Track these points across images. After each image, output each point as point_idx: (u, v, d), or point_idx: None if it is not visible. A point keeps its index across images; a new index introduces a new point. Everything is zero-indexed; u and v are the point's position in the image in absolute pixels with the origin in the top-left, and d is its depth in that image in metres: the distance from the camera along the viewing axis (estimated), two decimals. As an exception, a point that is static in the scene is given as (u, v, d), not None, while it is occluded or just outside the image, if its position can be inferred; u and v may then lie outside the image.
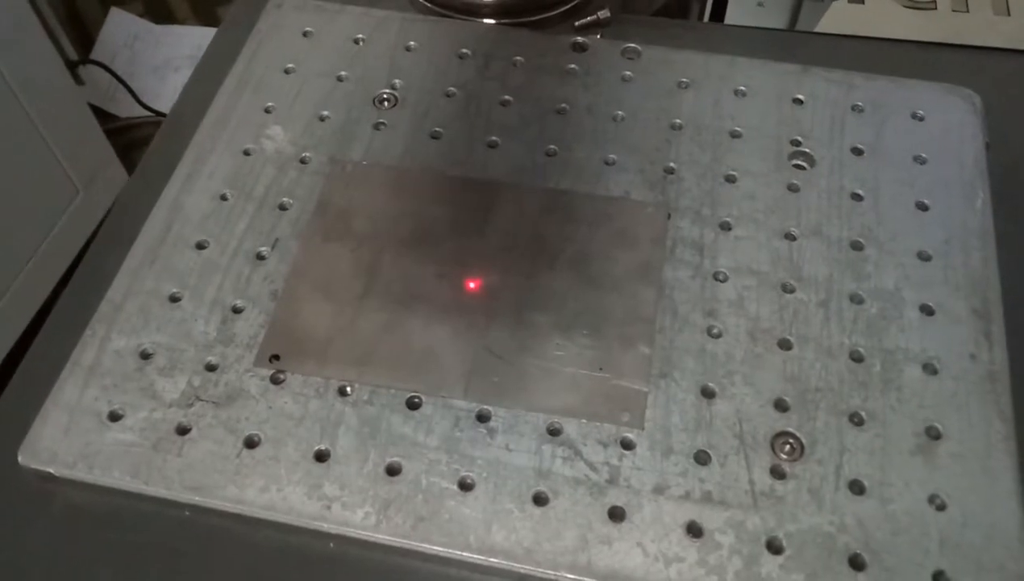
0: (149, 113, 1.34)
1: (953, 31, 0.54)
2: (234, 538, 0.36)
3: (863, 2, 0.57)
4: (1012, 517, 0.35)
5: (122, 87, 1.34)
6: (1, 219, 0.99)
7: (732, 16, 0.59)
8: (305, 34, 0.52)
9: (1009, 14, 0.55)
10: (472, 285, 0.42)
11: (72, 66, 1.26)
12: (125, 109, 1.36)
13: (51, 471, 0.36)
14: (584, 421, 0.38)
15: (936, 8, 0.56)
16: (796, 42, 0.54)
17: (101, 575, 0.35)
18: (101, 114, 1.29)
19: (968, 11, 0.55)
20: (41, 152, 1.04)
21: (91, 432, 0.37)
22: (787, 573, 0.34)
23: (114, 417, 0.37)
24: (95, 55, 1.37)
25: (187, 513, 0.36)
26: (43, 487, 0.37)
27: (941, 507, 0.35)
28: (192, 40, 1.42)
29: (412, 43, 0.51)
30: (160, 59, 1.40)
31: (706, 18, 0.62)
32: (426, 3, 0.53)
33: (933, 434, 0.37)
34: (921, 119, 0.48)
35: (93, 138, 1.15)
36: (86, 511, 0.36)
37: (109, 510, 0.36)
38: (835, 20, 0.55)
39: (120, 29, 1.41)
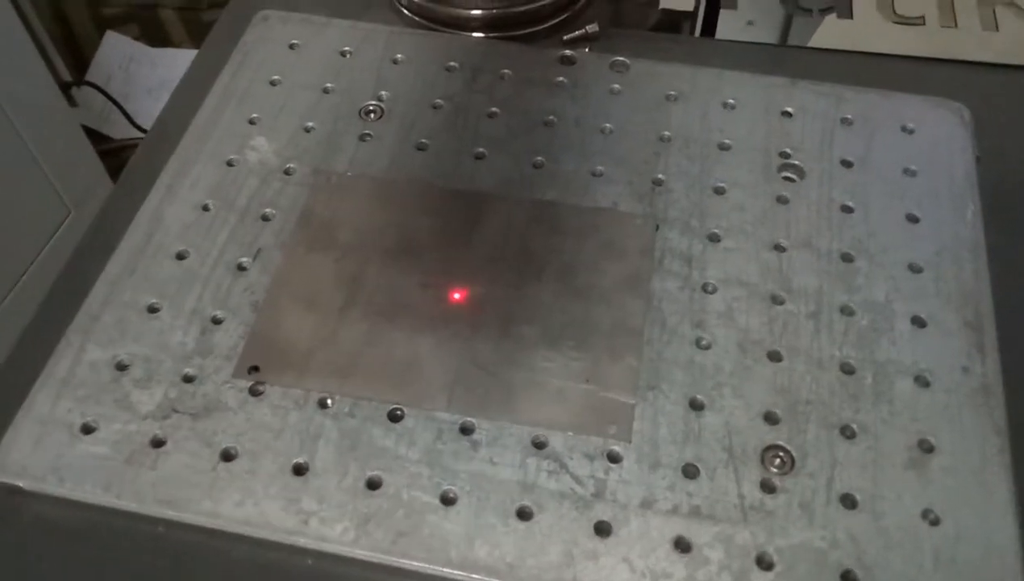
0: (143, 135, 1.34)
1: (942, 46, 0.54)
2: (209, 554, 0.35)
3: (852, 18, 0.57)
4: (1007, 531, 0.34)
5: (116, 109, 1.34)
6: (-9, 239, 0.99)
7: (722, 34, 0.59)
8: (291, 47, 0.51)
9: (997, 29, 0.55)
10: (457, 296, 0.41)
11: (65, 87, 1.26)
12: (119, 131, 1.36)
13: (20, 485, 0.35)
14: (570, 434, 0.37)
15: (924, 24, 0.56)
16: (785, 56, 0.54)
17: (70, 592, 0.34)
18: (95, 136, 1.29)
19: (956, 27, 0.55)
20: (33, 172, 1.04)
21: (63, 445, 0.36)
22: (778, 590, 0.33)
23: (87, 429, 0.37)
24: (90, 77, 1.37)
25: (161, 528, 0.35)
26: (11, 501, 0.36)
27: (935, 522, 0.35)
28: (187, 62, 1.42)
29: (399, 56, 0.51)
30: (155, 81, 1.40)
31: (696, 35, 0.62)
32: (414, 17, 0.53)
33: (926, 447, 0.36)
34: (911, 132, 0.47)
35: (85, 159, 1.14)
36: (56, 526, 0.35)
37: (80, 525, 0.35)
38: (824, 36, 0.55)
39: (116, 52, 1.42)
